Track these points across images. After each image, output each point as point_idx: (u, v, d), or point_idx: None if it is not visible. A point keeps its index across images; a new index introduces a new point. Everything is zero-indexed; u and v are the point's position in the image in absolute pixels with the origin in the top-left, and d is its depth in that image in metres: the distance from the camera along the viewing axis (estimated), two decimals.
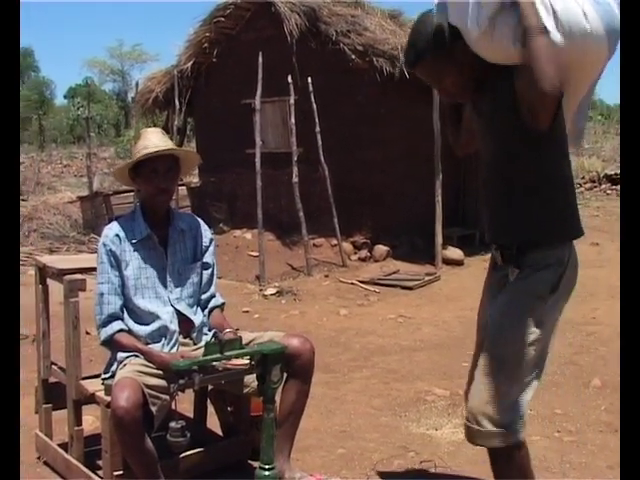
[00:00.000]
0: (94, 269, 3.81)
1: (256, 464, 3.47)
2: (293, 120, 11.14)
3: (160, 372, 3.46)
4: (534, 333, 2.84)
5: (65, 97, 69.74)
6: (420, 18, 2.95)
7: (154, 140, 3.72)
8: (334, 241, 11.63)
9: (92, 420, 4.49)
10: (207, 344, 3.32)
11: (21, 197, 20.61)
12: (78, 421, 3.90)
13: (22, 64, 69.48)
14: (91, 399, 3.78)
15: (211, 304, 3.93)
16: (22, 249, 12.61)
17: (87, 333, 6.30)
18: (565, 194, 2.88)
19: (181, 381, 3.21)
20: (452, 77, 2.90)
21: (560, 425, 4.77)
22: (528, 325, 2.83)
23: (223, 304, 4.00)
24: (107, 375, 3.67)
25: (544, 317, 2.86)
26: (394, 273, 10.56)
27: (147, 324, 3.68)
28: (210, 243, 3.95)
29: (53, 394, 4.21)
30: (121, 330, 3.63)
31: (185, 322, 3.75)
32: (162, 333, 3.67)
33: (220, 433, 4.26)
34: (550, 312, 2.89)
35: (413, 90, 11.25)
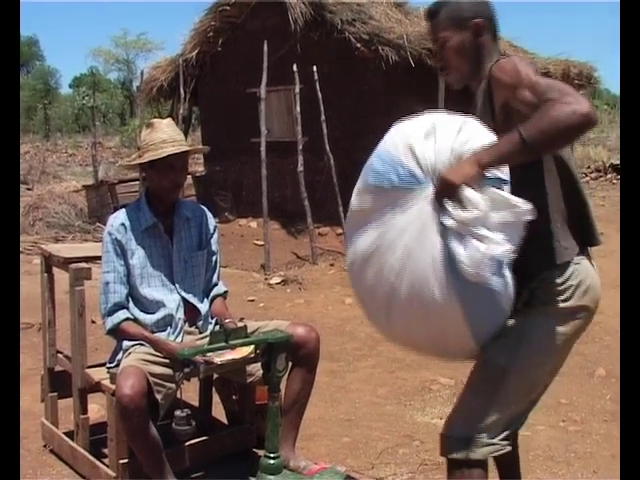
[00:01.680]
0: (99, 258, 3.81)
1: (261, 452, 3.48)
2: (298, 109, 11.12)
3: (165, 360, 3.47)
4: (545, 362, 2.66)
5: (70, 86, 69.68)
6: None
7: (171, 133, 3.69)
8: (339, 230, 11.62)
9: (98, 408, 4.50)
10: (212, 333, 3.32)
11: (27, 186, 20.67)
12: (84, 409, 3.91)
13: (27, 53, 69.46)
14: (97, 388, 3.78)
15: (213, 292, 3.94)
16: (27, 238, 12.64)
17: (93, 322, 6.31)
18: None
19: (186, 369, 3.22)
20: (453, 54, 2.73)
21: (565, 415, 4.78)
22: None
23: (226, 292, 4.00)
24: (112, 364, 3.68)
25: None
26: None
27: (153, 313, 3.68)
28: (214, 231, 3.95)
29: (59, 383, 4.22)
30: (127, 319, 3.63)
31: (191, 310, 3.76)
32: (167, 322, 3.67)
33: (225, 421, 4.27)
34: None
35: (418, 79, 11.26)
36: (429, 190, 2.41)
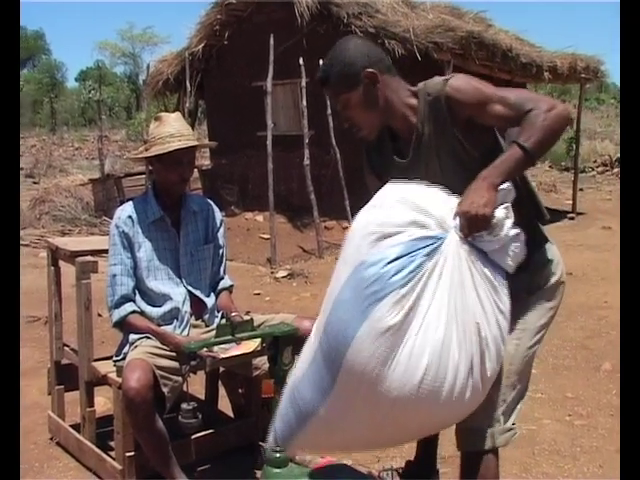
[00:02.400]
0: (106, 251, 3.81)
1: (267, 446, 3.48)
2: (304, 102, 11.11)
3: (172, 354, 3.47)
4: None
5: (76, 80, 69.78)
6: (342, 44, 2.94)
7: (179, 128, 3.68)
8: (345, 223, 11.60)
9: (104, 401, 4.52)
10: (219, 326, 3.32)
11: (33, 180, 20.69)
12: (90, 402, 3.93)
13: (33, 47, 69.56)
14: (103, 381, 3.79)
15: (219, 286, 3.94)
16: (34, 231, 12.67)
17: (99, 315, 6.33)
18: None
19: (193, 363, 3.22)
20: (358, 110, 2.79)
21: (571, 409, 4.77)
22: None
23: (231, 286, 4.00)
24: (119, 357, 3.69)
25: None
26: None
27: (159, 306, 3.68)
28: (220, 224, 3.95)
29: (65, 376, 4.23)
30: (134, 312, 3.64)
31: (197, 304, 3.76)
32: (174, 315, 3.67)
33: (231, 415, 4.28)
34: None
35: (425, 73, 11.24)
36: (450, 237, 2.45)
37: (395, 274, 2.36)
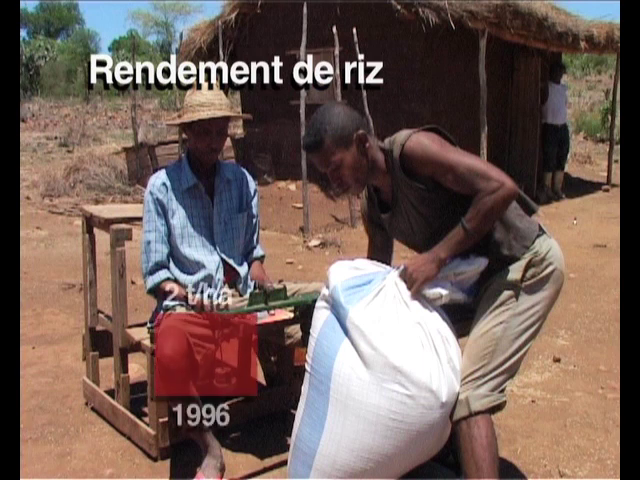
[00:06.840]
0: (140, 219, 3.83)
1: None
2: (338, 71, 11.04)
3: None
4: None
5: (110, 49, 69.87)
6: (330, 109, 3.07)
7: (210, 97, 3.67)
8: None
9: (138, 368, 4.57)
10: (252, 294, 3.33)
11: (67, 149, 20.82)
12: (124, 368, 3.97)
13: (67, 17, 69.84)
14: (137, 347, 3.83)
15: (251, 255, 3.95)
16: (68, 200, 12.79)
17: (132, 283, 6.37)
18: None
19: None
20: (348, 169, 3.00)
21: (604, 382, 4.75)
22: None
23: (263, 257, 4.01)
24: (153, 324, 3.70)
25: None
26: None
27: (192, 273, 3.70)
28: (254, 194, 3.95)
29: (100, 342, 4.28)
30: (168, 279, 3.65)
31: (230, 272, 3.77)
32: (207, 283, 3.67)
33: (264, 382, 4.30)
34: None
35: (459, 42, 11.12)
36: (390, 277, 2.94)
37: (365, 283, 2.90)
